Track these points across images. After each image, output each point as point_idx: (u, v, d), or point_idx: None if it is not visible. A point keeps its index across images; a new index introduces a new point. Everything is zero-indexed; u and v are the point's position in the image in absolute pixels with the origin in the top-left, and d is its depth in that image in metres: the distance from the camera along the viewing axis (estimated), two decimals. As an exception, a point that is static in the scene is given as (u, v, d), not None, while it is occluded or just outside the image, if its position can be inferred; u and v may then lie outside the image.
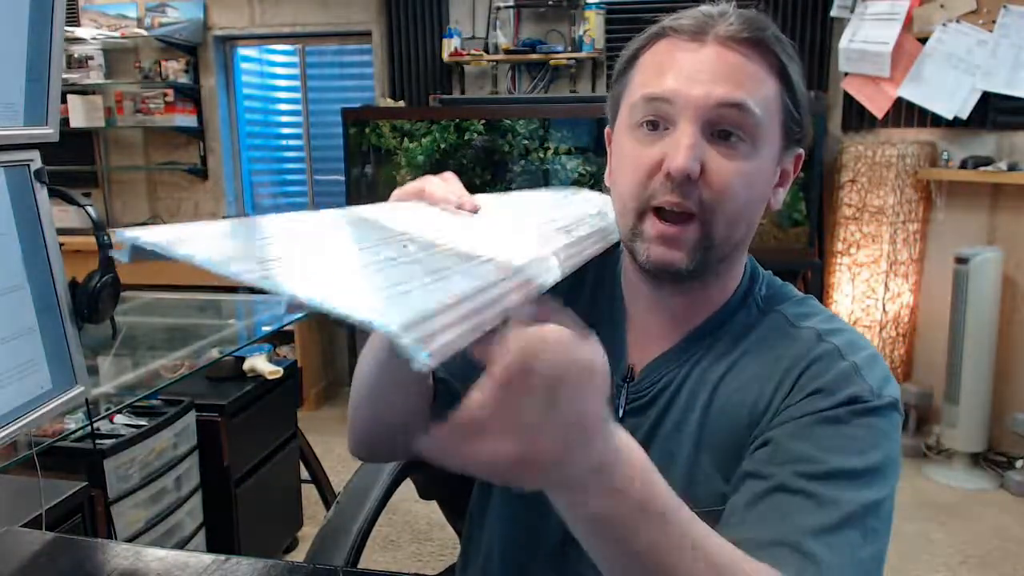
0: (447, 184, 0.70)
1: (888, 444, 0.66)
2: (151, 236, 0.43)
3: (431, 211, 0.67)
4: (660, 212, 0.69)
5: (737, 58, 0.68)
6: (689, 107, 0.67)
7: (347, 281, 0.43)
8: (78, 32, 4.02)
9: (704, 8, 0.71)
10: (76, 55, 4.08)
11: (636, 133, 0.71)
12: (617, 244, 0.85)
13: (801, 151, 0.75)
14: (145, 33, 4.07)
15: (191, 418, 1.94)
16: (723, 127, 0.68)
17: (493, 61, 3.70)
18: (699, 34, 0.69)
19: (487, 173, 3.43)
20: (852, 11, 3.16)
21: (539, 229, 0.68)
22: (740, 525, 0.63)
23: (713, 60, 0.68)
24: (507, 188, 3.36)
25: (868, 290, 3.26)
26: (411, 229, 0.59)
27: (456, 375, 0.76)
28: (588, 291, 0.84)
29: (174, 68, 4.11)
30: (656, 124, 0.70)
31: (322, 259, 0.48)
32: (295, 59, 4.37)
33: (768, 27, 0.70)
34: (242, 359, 2.20)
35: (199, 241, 0.44)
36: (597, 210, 0.86)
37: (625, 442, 0.50)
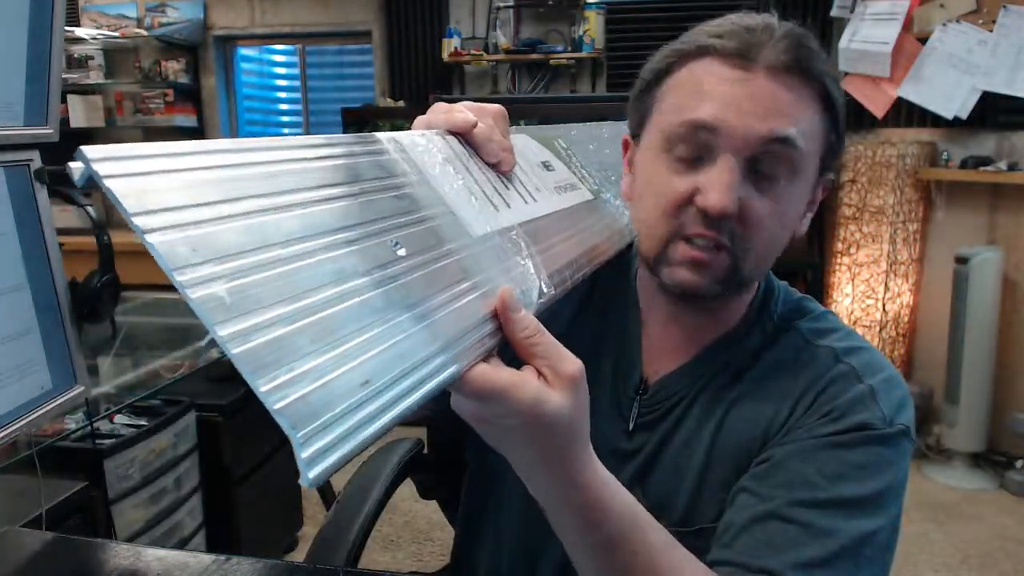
0: (495, 128, 0.61)
1: (892, 473, 0.65)
2: (114, 172, 0.33)
3: (461, 171, 0.59)
4: (689, 240, 0.67)
5: (786, 91, 0.64)
6: (734, 139, 0.64)
7: (273, 339, 0.35)
8: (78, 32, 4.02)
9: (746, 22, 0.66)
10: (76, 55, 4.08)
11: (667, 160, 0.67)
12: (629, 246, 0.84)
13: (831, 176, 0.73)
14: (145, 33, 4.08)
15: (191, 418, 1.94)
16: (765, 163, 0.65)
17: (493, 61, 3.70)
18: (746, 59, 0.64)
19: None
20: (852, 11, 3.16)
21: (546, 241, 0.63)
22: (731, 546, 0.63)
23: (762, 92, 0.64)
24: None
25: (868, 290, 3.26)
26: (431, 204, 0.52)
27: None
28: (600, 297, 0.83)
29: (174, 68, 4.11)
30: (693, 154, 0.66)
31: (272, 280, 0.37)
32: (295, 59, 4.37)
33: (813, 49, 0.66)
34: (242, 359, 2.19)
35: (167, 212, 0.34)
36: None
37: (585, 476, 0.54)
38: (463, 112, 0.60)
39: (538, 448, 0.50)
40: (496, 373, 0.46)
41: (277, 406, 0.34)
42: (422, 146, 0.56)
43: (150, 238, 0.33)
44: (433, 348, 0.43)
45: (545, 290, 0.57)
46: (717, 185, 0.64)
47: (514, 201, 0.63)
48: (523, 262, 0.57)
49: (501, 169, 0.61)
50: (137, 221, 0.33)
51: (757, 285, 0.76)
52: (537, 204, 0.66)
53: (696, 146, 0.66)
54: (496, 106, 0.63)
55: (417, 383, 0.40)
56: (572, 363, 0.50)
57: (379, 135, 0.53)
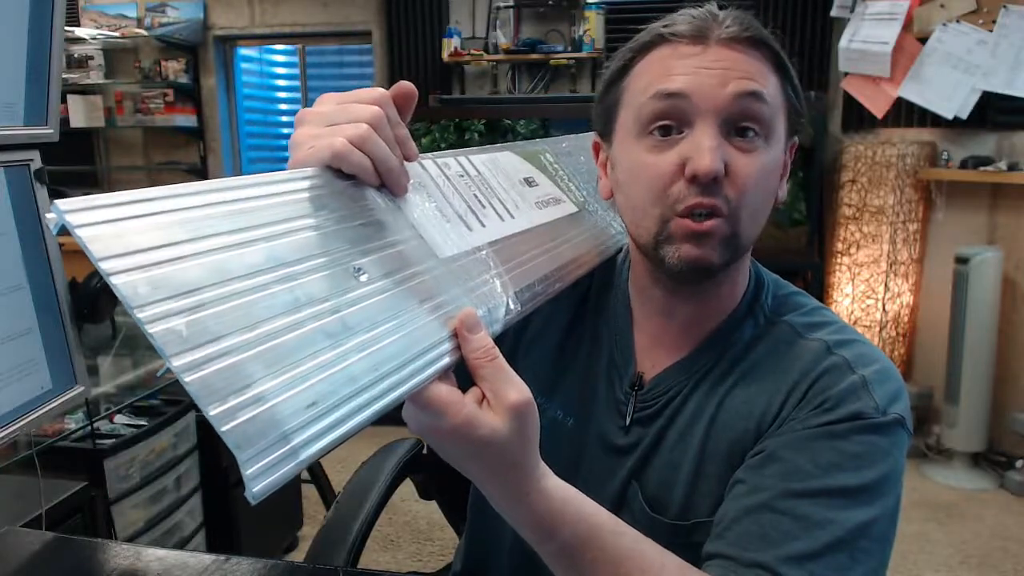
0: (373, 130, 0.52)
1: (887, 462, 0.64)
2: (84, 221, 0.36)
3: (434, 194, 0.60)
4: (685, 215, 0.67)
5: (742, 56, 0.67)
6: (707, 102, 0.65)
7: (225, 366, 0.38)
8: (78, 32, 4.02)
9: (694, 12, 0.70)
10: (76, 55, 4.08)
11: (646, 141, 0.68)
12: (619, 251, 0.85)
13: (796, 140, 0.75)
14: (145, 33, 4.07)
15: (191, 418, 1.94)
16: (741, 122, 0.66)
17: (493, 61, 3.70)
18: (699, 38, 0.67)
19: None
20: (852, 11, 3.16)
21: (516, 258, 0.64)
22: (724, 537, 0.63)
23: (721, 58, 0.67)
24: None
25: (868, 290, 3.26)
26: (398, 229, 0.53)
27: None
28: (595, 299, 0.83)
29: (174, 68, 4.11)
30: (668, 129, 0.67)
31: (228, 312, 0.39)
32: (295, 59, 4.37)
33: (756, 23, 0.70)
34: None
35: (131, 255, 0.37)
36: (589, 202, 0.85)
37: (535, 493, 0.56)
38: (318, 142, 0.52)
39: (476, 466, 0.54)
40: (436, 388, 0.49)
41: (224, 428, 0.36)
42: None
43: (114, 280, 0.36)
44: (384, 370, 0.45)
45: (512, 307, 0.59)
46: (701, 149, 0.65)
47: (489, 220, 0.64)
48: (491, 280, 0.58)
49: (397, 192, 0.56)
50: (102, 265, 0.36)
51: (747, 277, 0.77)
52: (514, 221, 0.68)
53: (672, 118, 0.67)
54: (376, 92, 0.55)
55: (365, 403, 0.43)
56: (517, 392, 0.52)
57: None
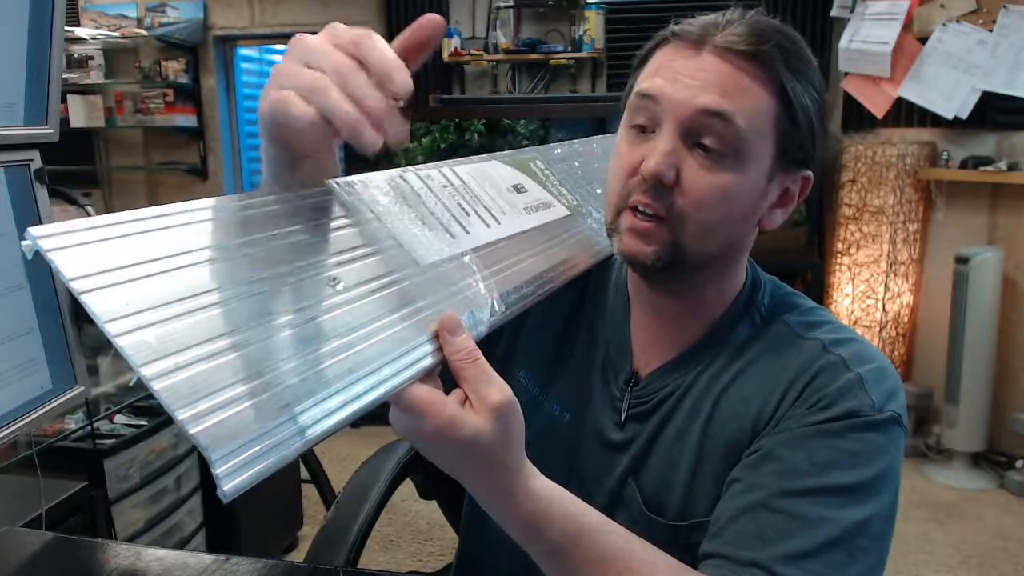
0: (352, 79, 0.46)
1: (883, 460, 0.64)
2: (56, 245, 0.37)
3: (414, 202, 0.60)
4: (634, 210, 0.69)
5: (730, 69, 0.66)
6: (671, 109, 0.67)
7: (195, 373, 0.38)
8: (78, 32, 4.02)
9: (714, 16, 0.69)
10: (76, 55, 4.07)
11: (628, 133, 0.71)
12: None
13: (809, 173, 0.73)
14: (145, 33, 4.07)
15: (191, 418, 1.94)
16: (704, 137, 0.66)
17: (493, 61, 3.70)
18: (698, 42, 0.68)
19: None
20: (852, 11, 3.16)
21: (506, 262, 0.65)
22: (720, 536, 0.63)
23: (704, 67, 0.66)
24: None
25: (868, 290, 3.26)
26: (378, 239, 0.54)
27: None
28: (594, 295, 0.84)
29: (174, 68, 4.11)
30: (645, 127, 0.70)
31: (199, 323, 0.40)
32: (295, 59, 4.37)
33: (771, 40, 0.67)
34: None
35: (102, 273, 0.38)
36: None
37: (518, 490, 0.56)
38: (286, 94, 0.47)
39: (461, 466, 0.54)
40: (417, 389, 0.49)
41: (193, 430, 0.37)
42: (376, 183, 0.58)
43: (83, 297, 0.37)
44: (361, 372, 0.45)
45: (497, 309, 0.60)
46: (654, 151, 0.67)
47: (474, 226, 0.65)
48: (475, 284, 0.59)
49: (387, 135, 0.48)
50: (73, 284, 0.37)
51: (740, 281, 0.77)
52: (500, 227, 0.68)
53: (645, 118, 0.69)
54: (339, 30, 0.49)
55: (341, 404, 0.44)
56: (498, 392, 0.52)
57: (330, 181, 0.55)
